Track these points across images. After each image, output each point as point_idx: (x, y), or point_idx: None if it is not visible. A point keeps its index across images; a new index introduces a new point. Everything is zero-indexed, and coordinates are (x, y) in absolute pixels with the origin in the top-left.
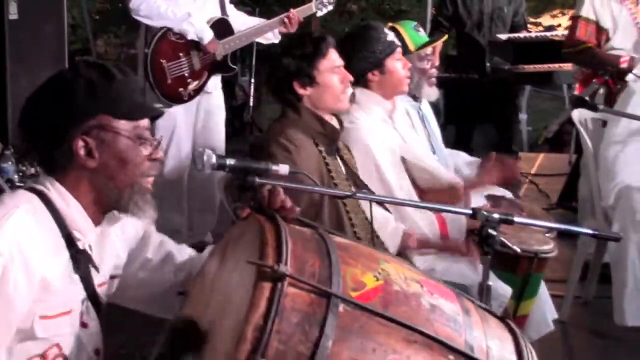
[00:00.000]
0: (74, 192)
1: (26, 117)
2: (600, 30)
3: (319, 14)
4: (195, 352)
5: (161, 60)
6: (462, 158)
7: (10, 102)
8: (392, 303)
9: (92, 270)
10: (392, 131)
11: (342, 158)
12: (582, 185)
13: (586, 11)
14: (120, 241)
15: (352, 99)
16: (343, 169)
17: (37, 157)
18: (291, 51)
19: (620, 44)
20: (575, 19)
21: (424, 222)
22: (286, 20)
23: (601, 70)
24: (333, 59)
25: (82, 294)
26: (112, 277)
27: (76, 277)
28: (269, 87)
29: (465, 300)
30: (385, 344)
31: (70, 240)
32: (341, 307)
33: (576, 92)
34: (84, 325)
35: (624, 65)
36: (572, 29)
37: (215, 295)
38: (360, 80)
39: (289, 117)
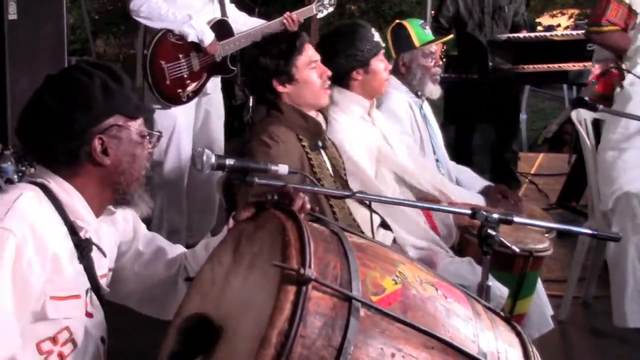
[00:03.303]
0: (79, 186)
1: (36, 112)
2: (631, 13)
3: (320, 15)
4: (209, 350)
5: (160, 62)
6: (468, 176)
7: (10, 102)
8: (410, 308)
9: (95, 261)
10: (370, 128)
11: (327, 154)
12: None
13: None
14: (112, 234)
15: (330, 99)
16: (328, 164)
17: (41, 152)
18: (268, 50)
19: None
20: None
21: (416, 224)
22: (286, 21)
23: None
24: (309, 54)
25: (86, 284)
26: (110, 270)
27: (80, 267)
28: (250, 90)
29: (475, 302)
30: (404, 349)
31: (73, 230)
32: (362, 312)
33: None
34: (88, 315)
35: None
36: (602, 8)
37: (229, 290)
38: (342, 78)
39: (272, 116)
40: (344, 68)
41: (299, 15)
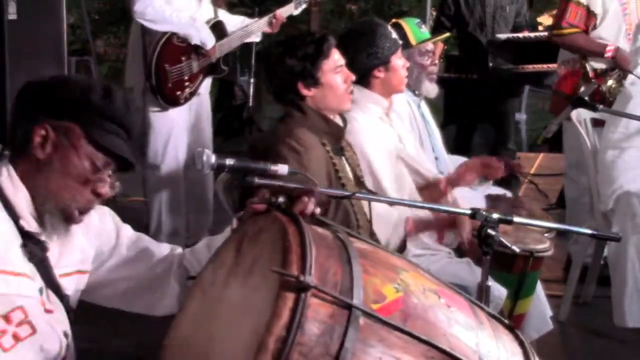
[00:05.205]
0: (24, 180)
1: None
2: (589, 15)
3: (295, 12)
4: None
5: (165, 64)
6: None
7: (9, 102)
8: (410, 316)
9: (54, 259)
10: (388, 129)
11: (345, 155)
12: (568, 187)
13: None
14: (85, 235)
15: None
16: (348, 167)
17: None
18: (294, 52)
19: (606, 33)
20: (566, 2)
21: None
22: (273, 20)
23: (585, 56)
24: (335, 59)
25: (39, 282)
26: (81, 272)
27: (30, 265)
28: (271, 89)
29: (478, 309)
30: (403, 358)
31: (21, 229)
32: (361, 320)
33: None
34: (48, 311)
35: (608, 54)
36: (562, 11)
37: (230, 293)
38: (363, 77)
39: (294, 117)
40: (365, 67)
41: (282, 14)
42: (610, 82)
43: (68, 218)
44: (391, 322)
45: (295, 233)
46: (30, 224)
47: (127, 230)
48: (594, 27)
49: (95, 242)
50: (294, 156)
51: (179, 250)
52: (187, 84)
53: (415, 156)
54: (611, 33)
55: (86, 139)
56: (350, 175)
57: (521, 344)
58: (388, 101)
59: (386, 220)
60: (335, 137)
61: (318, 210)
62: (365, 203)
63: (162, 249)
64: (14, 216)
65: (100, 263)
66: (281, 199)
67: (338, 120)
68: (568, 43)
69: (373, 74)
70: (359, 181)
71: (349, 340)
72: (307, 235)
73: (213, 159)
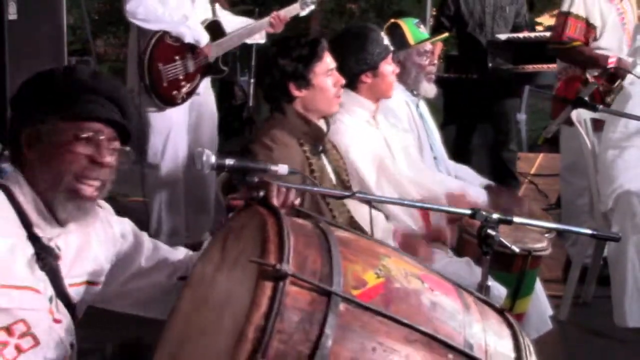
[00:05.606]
0: (31, 184)
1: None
2: (589, 27)
3: (302, 14)
4: None
5: (158, 64)
6: (467, 175)
7: (9, 102)
8: (392, 301)
9: (64, 269)
10: (375, 132)
11: (328, 157)
12: (563, 189)
13: (576, 7)
14: (101, 247)
15: None
16: (329, 168)
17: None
18: (288, 52)
19: (607, 44)
20: (564, 15)
21: (410, 220)
22: (273, 20)
23: (589, 69)
24: (327, 62)
25: (50, 291)
26: (91, 283)
27: (42, 273)
28: (262, 88)
29: (466, 294)
30: (386, 343)
31: (33, 237)
32: (342, 306)
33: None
34: (57, 321)
35: (611, 65)
36: (561, 25)
37: (216, 288)
38: (351, 81)
39: (275, 119)
40: (353, 71)
41: (285, 14)
42: (613, 96)
43: (76, 196)
44: (371, 307)
45: (274, 224)
46: (44, 229)
47: (146, 241)
48: (595, 39)
49: (113, 256)
50: (265, 152)
51: (191, 253)
52: (183, 83)
53: (404, 169)
54: (612, 44)
55: (62, 119)
56: (331, 176)
57: (510, 326)
58: (375, 105)
59: (374, 225)
60: (315, 137)
61: (298, 201)
62: (348, 202)
63: (179, 255)
64: (27, 223)
65: (117, 275)
66: (261, 193)
67: (322, 123)
68: (570, 56)
69: (361, 78)
70: (344, 186)
71: (329, 326)
72: (285, 225)
73: (213, 159)
